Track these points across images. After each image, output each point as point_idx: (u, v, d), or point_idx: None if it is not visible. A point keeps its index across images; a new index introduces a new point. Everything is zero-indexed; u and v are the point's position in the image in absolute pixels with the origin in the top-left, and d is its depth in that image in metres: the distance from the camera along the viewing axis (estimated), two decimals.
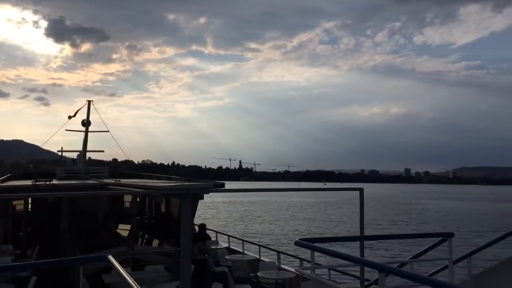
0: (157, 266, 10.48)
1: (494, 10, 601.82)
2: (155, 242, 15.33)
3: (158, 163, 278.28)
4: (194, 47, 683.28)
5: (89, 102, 18.23)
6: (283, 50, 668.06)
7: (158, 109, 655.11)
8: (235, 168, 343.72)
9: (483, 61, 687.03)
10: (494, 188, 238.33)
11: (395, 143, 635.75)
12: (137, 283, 3.39)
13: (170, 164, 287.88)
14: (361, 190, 8.11)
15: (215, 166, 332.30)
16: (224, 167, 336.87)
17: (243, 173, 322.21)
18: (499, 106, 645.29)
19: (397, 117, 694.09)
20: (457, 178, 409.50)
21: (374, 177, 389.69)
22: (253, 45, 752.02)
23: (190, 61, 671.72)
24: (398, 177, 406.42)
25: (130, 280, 3.39)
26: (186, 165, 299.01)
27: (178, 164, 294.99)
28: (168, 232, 14.11)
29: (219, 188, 9.91)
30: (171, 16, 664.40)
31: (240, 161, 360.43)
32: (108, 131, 19.04)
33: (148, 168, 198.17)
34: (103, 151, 19.84)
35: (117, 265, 3.82)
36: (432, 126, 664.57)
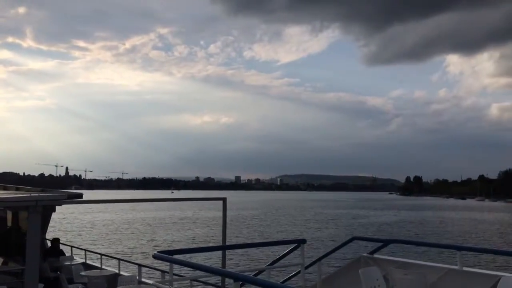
0: None
1: (311, 34, 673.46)
2: None
3: None
4: (10, 39, 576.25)
5: None
6: (115, 52, 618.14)
7: None
8: (60, 175, 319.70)
9: (301, 79, 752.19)
10: (318, 194, 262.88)
11: (225, 152, 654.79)
12: None
13: None
14: (224, 200, 8.29)
15: (36, 173, 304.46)
16: (47, 174, 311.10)
17: (71, 181, 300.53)
18: (313, 121, 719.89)
19: (227, 126, 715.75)
20: (285, 184, 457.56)
21: (211, 184, 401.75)
22: (81, 44, 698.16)
23: (5, 54, 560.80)
24: (233, 183, 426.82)
25: None
26: None
27: None
28: (15, 249, 12.72)
29: (75, 199, 9.22)
30: None
31: (67, 168, 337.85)
32: None
33: None
34: None
35: None
36: (258, 136, 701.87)
